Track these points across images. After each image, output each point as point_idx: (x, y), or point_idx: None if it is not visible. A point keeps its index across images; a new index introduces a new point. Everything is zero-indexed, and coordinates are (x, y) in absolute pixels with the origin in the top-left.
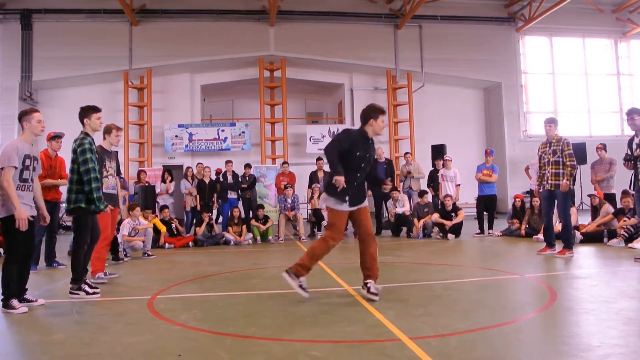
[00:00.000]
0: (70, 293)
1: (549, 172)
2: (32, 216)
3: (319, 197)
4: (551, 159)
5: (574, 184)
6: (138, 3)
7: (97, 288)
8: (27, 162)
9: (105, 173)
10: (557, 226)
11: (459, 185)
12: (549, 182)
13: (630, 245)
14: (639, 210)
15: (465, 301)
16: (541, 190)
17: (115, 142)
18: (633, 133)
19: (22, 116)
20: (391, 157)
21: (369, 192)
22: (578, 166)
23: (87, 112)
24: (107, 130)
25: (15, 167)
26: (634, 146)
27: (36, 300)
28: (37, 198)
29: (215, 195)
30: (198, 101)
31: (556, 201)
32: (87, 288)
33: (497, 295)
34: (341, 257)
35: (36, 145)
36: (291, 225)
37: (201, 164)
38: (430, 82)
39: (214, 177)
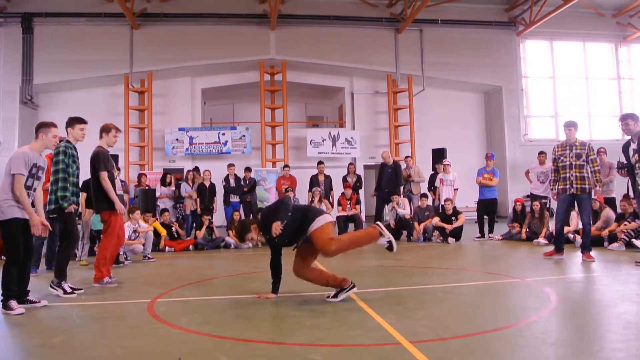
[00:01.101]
0: (50, 286)
1: (573, 175)
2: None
3: (319, 200)
4: (575, 163)
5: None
6: (139, 7)
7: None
8: (34, 170)
9: (115, 174)
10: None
11: (457, 189)
12: (574, 185)
13: (633, 240)
14: None
15: (465, 305)
16: (560, 193)
17: (112, 142)
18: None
19: (41, 127)
20: None
21: (372, 193)
22: None
23: (71, 122)
24: (106, 129)
25: (22, 175)
26: (631, 152)
27: (39, 302)
28: (37, 204)
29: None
30: (199, 105)
31: (577, 204)
32: (66, 287)
33: (497, 299)
34: (341, 261)
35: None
36: None
37: (197, 169)
38: (430, 86)
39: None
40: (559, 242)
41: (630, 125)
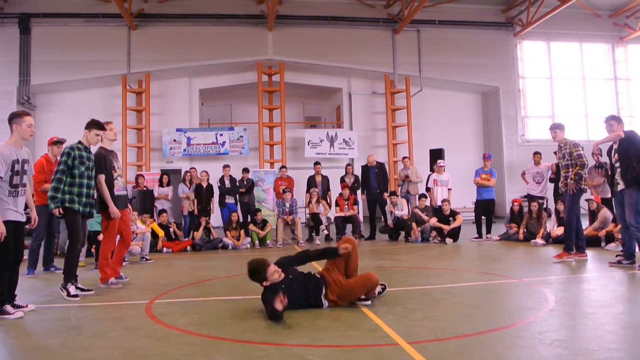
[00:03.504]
0: (61, 288)
1: (562, 175)
2: (22, 222)
3: (317, 201)
4: (562, 163)
5: (581, 185)
6: (136, 7)
7: (89, 291)
8: (16, 167)
9: (114, 175)
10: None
11: (450, 189)
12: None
13: None
14: (618, 213)
15: (463, 305)
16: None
17: (111, 137)
18: None
19: (13, 118)
20: (389, 161)
21: (363, 197)
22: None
23: (90, 125)
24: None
25: (1, 178)
26: (613, 152)
27: (26, 306)
28: (28, 199)
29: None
30: (196, 105)
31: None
32: (71, 289)
33: (495, 300)
34: None
35: (26, 147)
36: (289, 229)
37: (194, 169)
38: (428, 87)
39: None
40: (568, 241)
41: (613, 127)
